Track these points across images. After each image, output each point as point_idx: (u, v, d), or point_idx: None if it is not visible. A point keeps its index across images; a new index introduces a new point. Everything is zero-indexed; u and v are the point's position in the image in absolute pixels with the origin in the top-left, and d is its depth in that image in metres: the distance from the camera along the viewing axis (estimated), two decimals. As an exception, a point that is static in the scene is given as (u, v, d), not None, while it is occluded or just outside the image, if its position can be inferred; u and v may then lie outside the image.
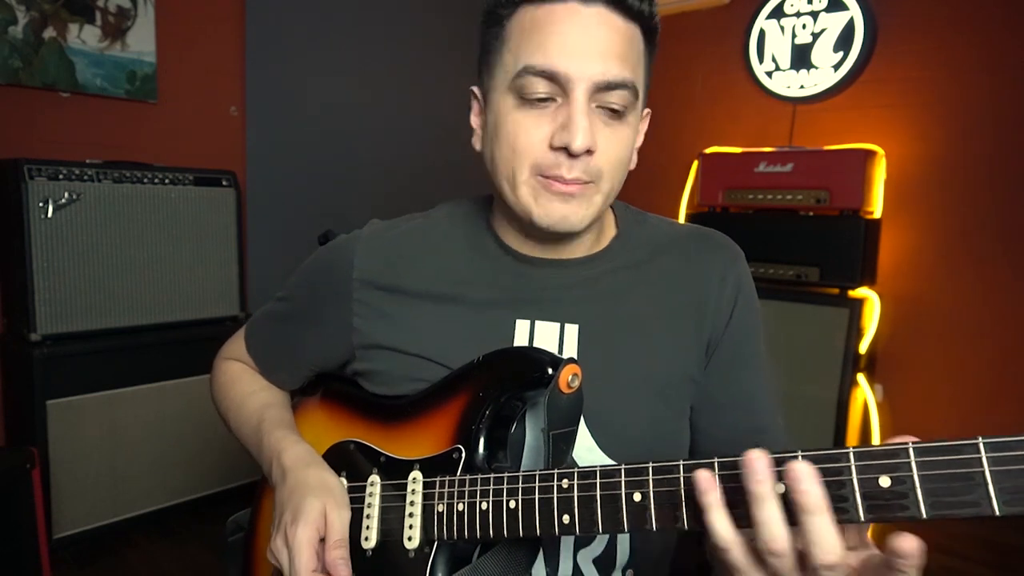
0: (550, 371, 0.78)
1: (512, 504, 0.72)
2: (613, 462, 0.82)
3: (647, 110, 0.93)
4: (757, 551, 0.56)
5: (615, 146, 0.82)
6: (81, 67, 2.72)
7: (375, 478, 0.87)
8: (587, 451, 0.86)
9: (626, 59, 0.79)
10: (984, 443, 0.48)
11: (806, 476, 0.53)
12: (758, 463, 0.54)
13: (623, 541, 0.92)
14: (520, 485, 0.72)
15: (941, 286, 3.19)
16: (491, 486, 0.75)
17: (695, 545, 0.99)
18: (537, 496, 0.70)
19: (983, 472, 0.48)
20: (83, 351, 2.51)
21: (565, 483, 0.68)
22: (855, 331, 2.98)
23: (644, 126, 0.94)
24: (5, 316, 2.58)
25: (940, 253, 3.20)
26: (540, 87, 0.79)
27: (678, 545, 1.03)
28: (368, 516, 0.86)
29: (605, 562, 0.91)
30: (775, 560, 0.54)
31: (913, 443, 0.51)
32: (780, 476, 0.55)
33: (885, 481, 0.52)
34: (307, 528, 0.82)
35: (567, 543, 0.90)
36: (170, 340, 2.73)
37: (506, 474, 0.74)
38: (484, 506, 0.75)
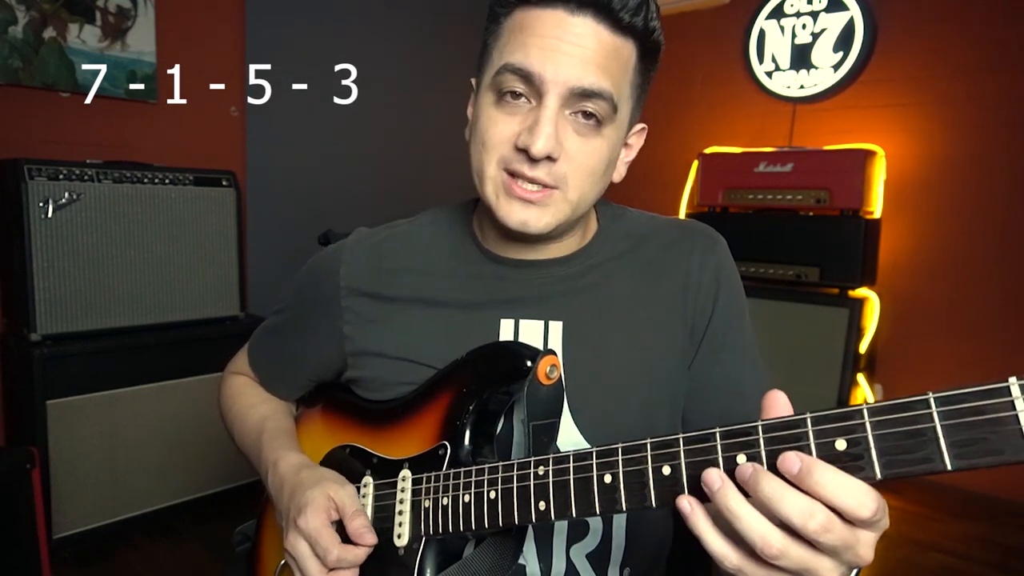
0: (528, 363, 0.79)
1: (492, 495, 0.74)
2: None
3: (642, 125, 0.93)
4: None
5: (585, 156, 0.82)
6: (81, 67, 2.72)
7: (368, 479, 0.89)
8: (574, 446, 0.86)
9: (606, 70, 0.79)
10: (934, 398, 0.49)
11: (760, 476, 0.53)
12: (711, 481, 0.55)
13: (617, 536, 0.93)
14: (499, 475, 0.74)
15: (941, 286, 3.20)
16: (472, 478, 0.76)
17: (692, 544, 0.99)
18: (515, 485, 0.72)
19: (934, 427, 0.48)
20: (83, 351, 2.51)
21: (541, 470, 0.70)
22: (855, 331, 2.99)
23: (638, 141, 0.94)
24: (5, 316, 2.59)
25: (940, 253, 3.20)
26: (516, 85, 0.80)
27: (675, 542, 1.03)
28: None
29: (599, 557, 0.92)
30: (777, 562, 0.54)
31: (867, 404, 0.52)
32: (746, 446, 0.57)
33: (841, 444, 0.52)
34: (316, 514, 0.82)
35: (560, 538, 0.91)
36: (170, 340, 2.72)
37: (486, 466, 0.76)
38: (467, 499, 0.76)
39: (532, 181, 0.81)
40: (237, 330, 2.88)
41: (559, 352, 0.89)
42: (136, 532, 2.67)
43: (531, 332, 0.91)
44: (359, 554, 0.81)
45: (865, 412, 0.51)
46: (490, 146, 0.82)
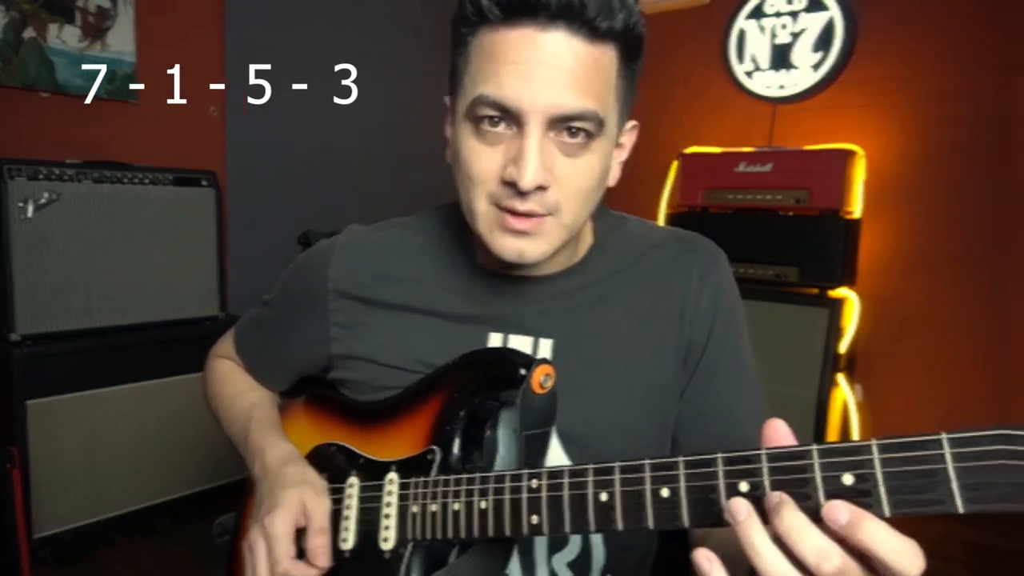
0: (522, 371, 0.78)
1: (483, 505, 0.72)
2: None
3: (633, 123, 0.89)
4: None
5: (576, 178, 0.78)
6: (61, 67, 2.72)
7: (354, 479, 0.87)
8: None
9: (588, 88, 0.74)
10: (947, 439, 0.48)
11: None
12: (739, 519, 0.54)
13: (597, 545, 0.92)
14: (491, 485, 0.72)
15: (921, 285, 3.20)
16: (463, 486, 0.75)
17: (678, 552, 0.99)
18: (507, 496, 0.70)
19: (946, 468, 0.47)
20: (63, 351, 2.51)
21: (534, 483, 0.68)
22: (835, 331, 2.99)
23: (630, 139, 0.90)
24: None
25: (920, 252, 3.20)
26: (491, 113, 0.76)
27: (659, 551, 1.03)
28: (346, 517, 0.86)
29: (580, 566, 0.91)
30: None
31: (877, 440, 0.51)
32: (748, 474, 0.55)
33: (848, 479, 0.51)
34: (284, 516, 0.81)
35: (541, 547, 0.90)
36: (150, 340, 2.73)
37: (478, 475, 0.74)
38: (456, 507, 0.75)
39: (525, 215, 0.78)
40: (217, 330, 2.83)
41: None
42: (117, 532, 2.67)
43: (520, 348, 0.89)
44: (308, 574, 0.80)
45: (875, 448, 0.51)
46: (476, 181, 0.79)
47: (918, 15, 3.14)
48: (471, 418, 0.82)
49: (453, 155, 0.84)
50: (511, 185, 0.76)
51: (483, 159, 0.78)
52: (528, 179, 0.74)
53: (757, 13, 3.55)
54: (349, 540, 0.85)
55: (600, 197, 0.85)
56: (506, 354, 0.83)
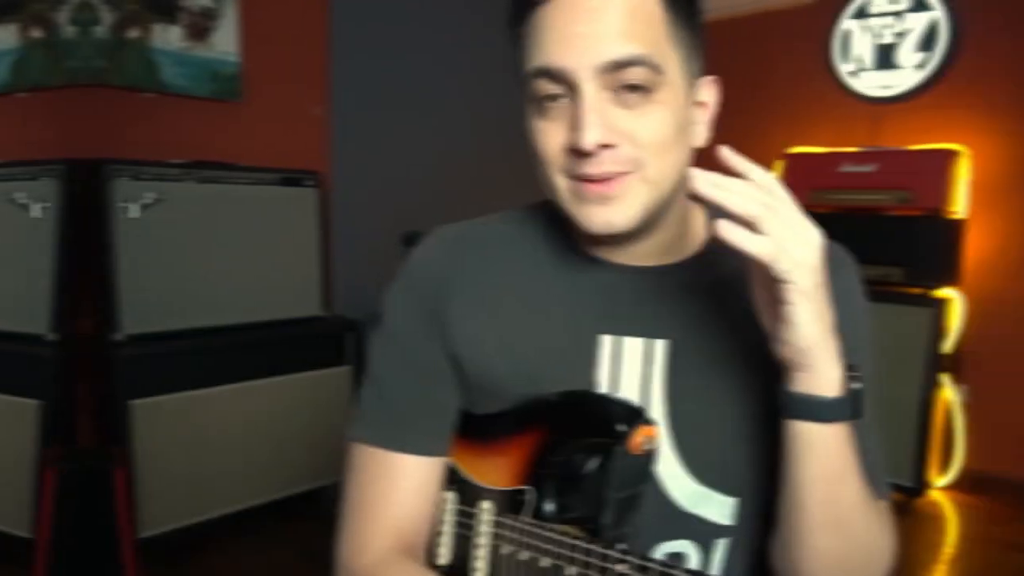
0: (622, 428, 0.74)
1: (572, 571, 0.70)
2: (703, 488, 0.81)
3: (711, 77, 0.82)
4: None
5: (645, 128, 0.72)
6: (165, 67, 2.73)
7: (449, 495, 0.88)
8: (671, 478, 0.80)
9: (631, 34, 0.70)
10: None
11: None
12: None
13: None
14: (581, 556, 0.70)
15: (1026, 286, 3.15)
16: (553, 545, 0.73)
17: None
18: (592, 574, 0.69)
19: None
20: (167, 351, 2.52)
21: (621, 568, 0.66)
22: (938, 331, 2.96)
23: (710, 96, 0.82)
24: (90, 316, 2.57)
25: (1026, 253, 3.16)
26: (549, 88, 0.73)
27: None
28: (441, 533, 0.87)
29: None
30: None
31: None
32: None
33: None
34: None
35: None
36: (254, 340, 2.74)
37: (567, 537, 0.73)
38: (544, 563, 0.73)
39: (600, 179, 0.73)
40: (322, 329, 2.91)
41: (661, 376, 0.82)
42: (222, 532, 2.66)
43: (633, 350, 0.83)
44: None
45: None
46: (547, 160, 0.76)
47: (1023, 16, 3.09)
48: (565, 465, 0.77)
49: (527, 146, 0.79)
50: (577, 152, 0.72)
51: (548, 136, 0.74)
52: (588, 137, 0.70)
53: (861, 13, 3.53)
54: (444, 556, 0.85)
55: (686, 156, 0.78)
56: (607, 405, 0.79)
